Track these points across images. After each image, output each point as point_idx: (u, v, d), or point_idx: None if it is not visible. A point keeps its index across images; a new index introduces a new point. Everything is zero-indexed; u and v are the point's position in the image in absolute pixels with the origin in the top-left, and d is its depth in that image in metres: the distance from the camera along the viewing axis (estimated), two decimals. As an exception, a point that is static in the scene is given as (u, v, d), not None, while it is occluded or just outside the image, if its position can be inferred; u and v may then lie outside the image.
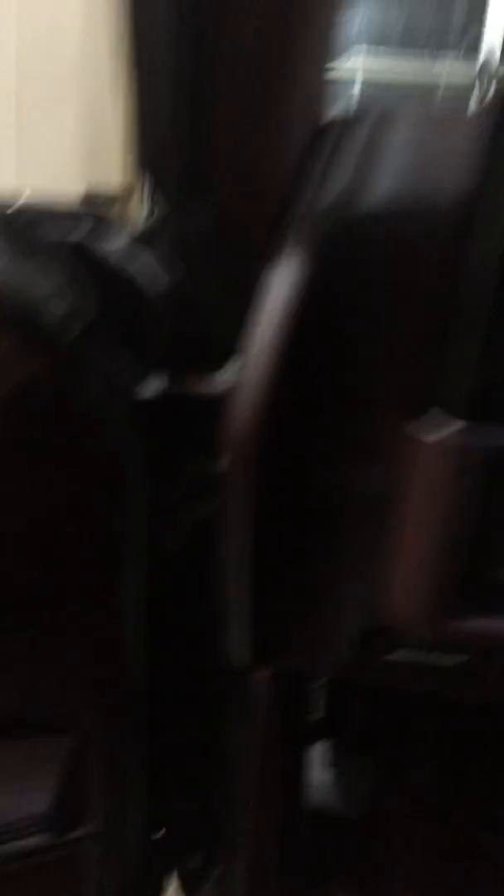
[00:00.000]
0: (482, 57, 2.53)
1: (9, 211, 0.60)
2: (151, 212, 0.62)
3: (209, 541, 0.52)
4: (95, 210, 0.66)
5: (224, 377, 0.58)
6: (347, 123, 0.50)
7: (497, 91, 0.33)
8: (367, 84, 2.62)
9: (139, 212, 0.70)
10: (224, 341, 0.56)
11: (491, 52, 2.53)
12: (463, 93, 2.59)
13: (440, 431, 0.44)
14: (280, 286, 0.47)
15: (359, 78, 2.61)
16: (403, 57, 2.66)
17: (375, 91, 2.56)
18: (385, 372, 0.46)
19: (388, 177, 0.45)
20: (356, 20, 2.66)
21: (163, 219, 0.59)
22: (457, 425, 0.43)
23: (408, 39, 2.70)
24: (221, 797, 0.69)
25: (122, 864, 0.66)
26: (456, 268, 0.42)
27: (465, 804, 0.76)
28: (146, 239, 0.62)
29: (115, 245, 0.60)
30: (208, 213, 0.54)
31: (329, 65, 0.56)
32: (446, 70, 2.63)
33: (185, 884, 0.75)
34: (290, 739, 0.67)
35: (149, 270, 0.60)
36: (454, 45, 2.67)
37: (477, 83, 2.57)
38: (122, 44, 0.51)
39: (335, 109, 0.56)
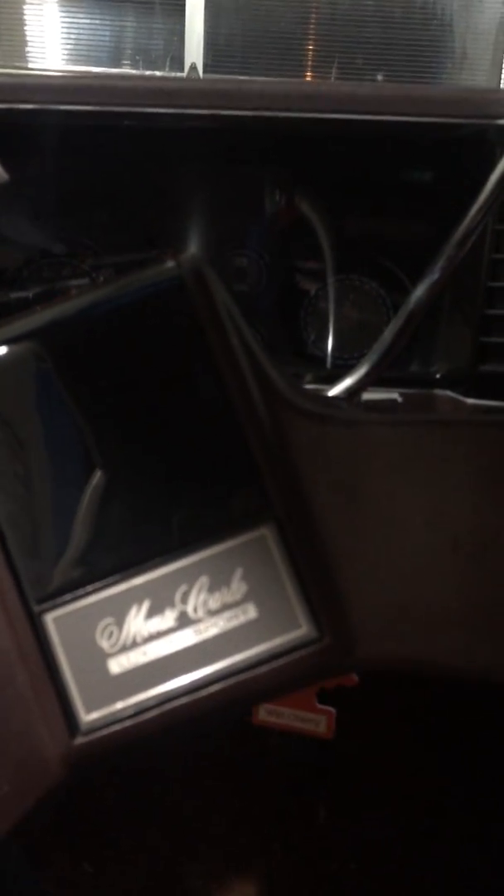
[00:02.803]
0: (187, 71, 2.62)
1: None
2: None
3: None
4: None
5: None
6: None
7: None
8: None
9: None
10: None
11: (194, 67, 2.63)
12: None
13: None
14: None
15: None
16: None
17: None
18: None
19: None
20: (65, 40, 2.76)
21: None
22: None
23: (115, 57, 2.82)
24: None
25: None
26: None
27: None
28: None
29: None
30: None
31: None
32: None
33: None
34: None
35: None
36: (160, 60, 2.81)
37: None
38: None
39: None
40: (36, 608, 0.33)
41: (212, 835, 0.92)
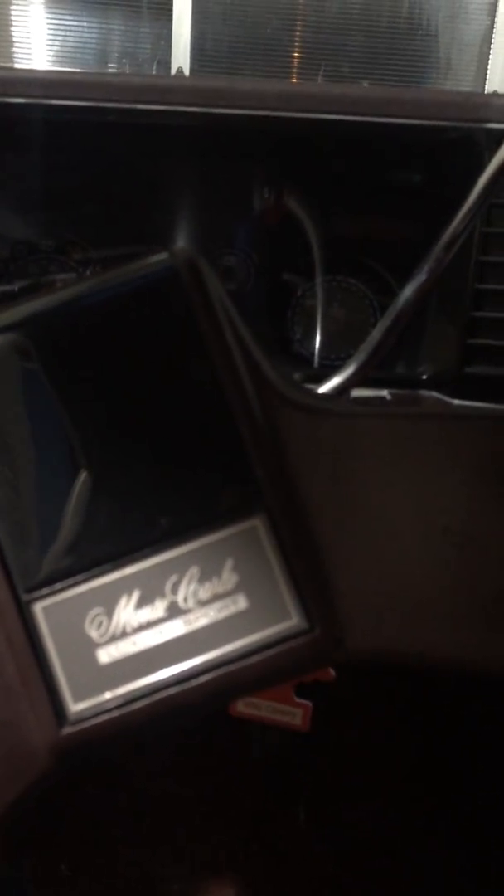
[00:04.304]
0: (174, 72, 2.65)
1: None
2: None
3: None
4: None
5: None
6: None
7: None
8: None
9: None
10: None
11: (180, 71, 2.66)
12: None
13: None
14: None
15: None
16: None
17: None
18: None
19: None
20: (51, 41, 2.77)
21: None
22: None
23: (101, 59, 2.82)
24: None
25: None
26: None
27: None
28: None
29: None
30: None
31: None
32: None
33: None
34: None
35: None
36: (147, 63, 2.81)
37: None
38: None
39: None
40: (25, 597, 0.33)
41: (190, 833, 0.91)
